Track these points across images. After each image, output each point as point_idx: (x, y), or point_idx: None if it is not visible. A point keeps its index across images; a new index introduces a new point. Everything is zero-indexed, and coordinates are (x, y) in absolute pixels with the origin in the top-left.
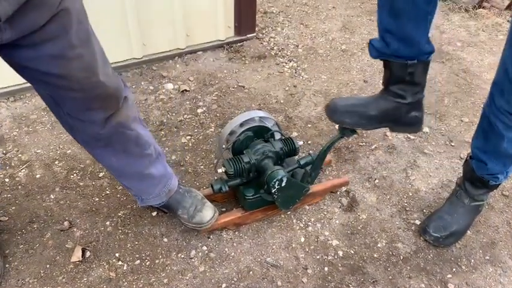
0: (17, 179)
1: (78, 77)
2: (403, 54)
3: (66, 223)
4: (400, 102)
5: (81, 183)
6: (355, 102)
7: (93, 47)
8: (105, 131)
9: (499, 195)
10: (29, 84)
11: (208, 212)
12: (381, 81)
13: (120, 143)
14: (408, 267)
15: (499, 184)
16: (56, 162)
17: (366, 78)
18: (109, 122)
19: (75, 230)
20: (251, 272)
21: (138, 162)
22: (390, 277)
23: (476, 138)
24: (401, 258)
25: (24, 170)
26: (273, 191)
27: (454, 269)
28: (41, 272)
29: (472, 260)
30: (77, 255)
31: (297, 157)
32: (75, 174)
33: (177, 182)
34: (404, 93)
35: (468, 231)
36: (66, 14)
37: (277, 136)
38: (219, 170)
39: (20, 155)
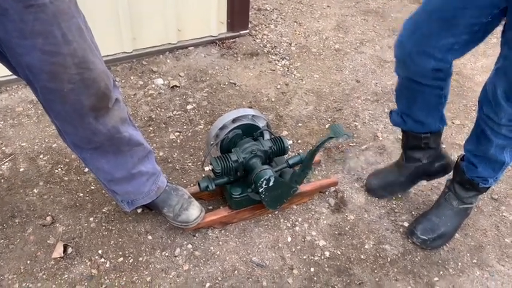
0: None
1: (70, 74)
2: (418, 131)
3: (48, 218)
4: (418, 165)
5: (65, 178)
6: (385, 177)
7: (85, 42)
8: (100, 135)
9: (488, 199)
10: (14, 76)
11: (194, 211)
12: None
13: (112, 145)
14: (395, 270)
15: (489, 187)
16: (41, 156)
17: (359, 78)
18: (104, 125)
19: (57, 225)
20: (236, 272)
21: (128, 161)
22: (377, 279)
23: (469, 141)
24: (389, 260)
25: (7, 163)
26: (261, 190)
27: (441, 272)
28: (21, 267)
29: (460, 263)
30: (58, 251)
31: (286, 156)
32: (59, 169)
33: (165, 179)
34: (420, 156)
35: (456, 234)
36: (58, 6)
37: (267, 135)
38: (206, 168)
39: (3, 148)
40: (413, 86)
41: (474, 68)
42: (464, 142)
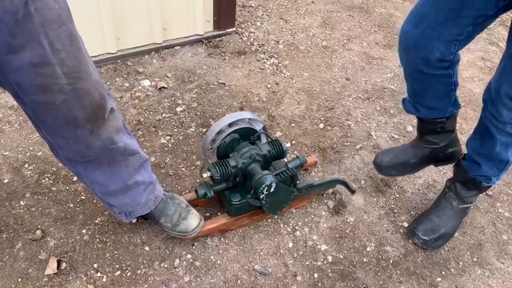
0: None
1: (60, 85)
2: (432, 116)
3: (38, 232)
4: (434, 147)
5: (53, 188)
6: (396, 155)
7: (77, 51)
8: (94, 148)
9: (483, 195)
10: None
11: (193, 220)
12: (416, 130)
13: (107, 157)
14: (398, 272)
15: (490, 186)
16: (26, 166)
17: (348, 75)
18: (97, 137)
19: (48, 239)
20: (239, 281)
21: (124, 172)
22: (381, 282)
23: (472, 139)
24: (391, 262)
25: None
26: (262, 196)
27: (443, 272)
28: (12, 286)
29: (461, 263)
30: (51, 267)
31: (285, 160)
32: (47, 178)
33: (161, 187)
34: (437, 140)
35: (455, 233)
36: (44, 13)
37: (264, 138)
38: (204, 175)
39: None
40: (420, 77)
41: (461, 63)
42: (466, 141)
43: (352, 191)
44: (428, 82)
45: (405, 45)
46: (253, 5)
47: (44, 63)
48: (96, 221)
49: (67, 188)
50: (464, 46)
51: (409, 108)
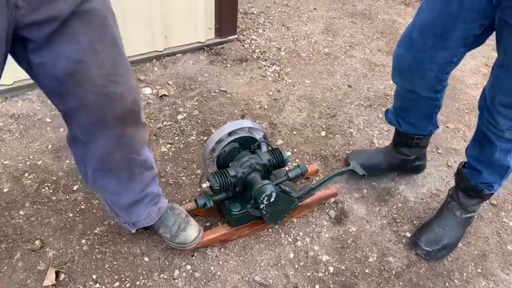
0: None
1: (94, 86)
2: (412, 132)
3: (37, 242)
4: (405, 158)
5: (53, 198)
6: (368, 158)
7: (117, 54)
8: (117, 155)
9: (487, 205)
10: None
11: (192, 232)
12: (391, 138)
13: (127, 169)
14: (401, 283)
15: (493, 193)
16: (26, 175)
17: (350, 83)
18: (125, 144)
19: (47, 249)
20: None
21: (137, 186)
22: None
23: (471, 147)
24: (394, 273)
25: None
26: (262, 206)
27: (447, 284)
28: None
29: (464, 274)
30: (50, 278)
31: (286, 168)
32: (46, 188)
33: (165, 199)
34: (409, 153)
35: (459, 243)
36: (92, 15)
37: (264, 147)
38: (204, 185)
39: None
40: (410, 96)
41: (464, 70)
42: (465, 148)
43: (362, 176)
44: (417, 103)
45: (399, 68)
46: (255, 12)
47: (81, 61)
48: (96, 231)
49: (67, 197)
50: (459, 63)
51: (391, 119)
